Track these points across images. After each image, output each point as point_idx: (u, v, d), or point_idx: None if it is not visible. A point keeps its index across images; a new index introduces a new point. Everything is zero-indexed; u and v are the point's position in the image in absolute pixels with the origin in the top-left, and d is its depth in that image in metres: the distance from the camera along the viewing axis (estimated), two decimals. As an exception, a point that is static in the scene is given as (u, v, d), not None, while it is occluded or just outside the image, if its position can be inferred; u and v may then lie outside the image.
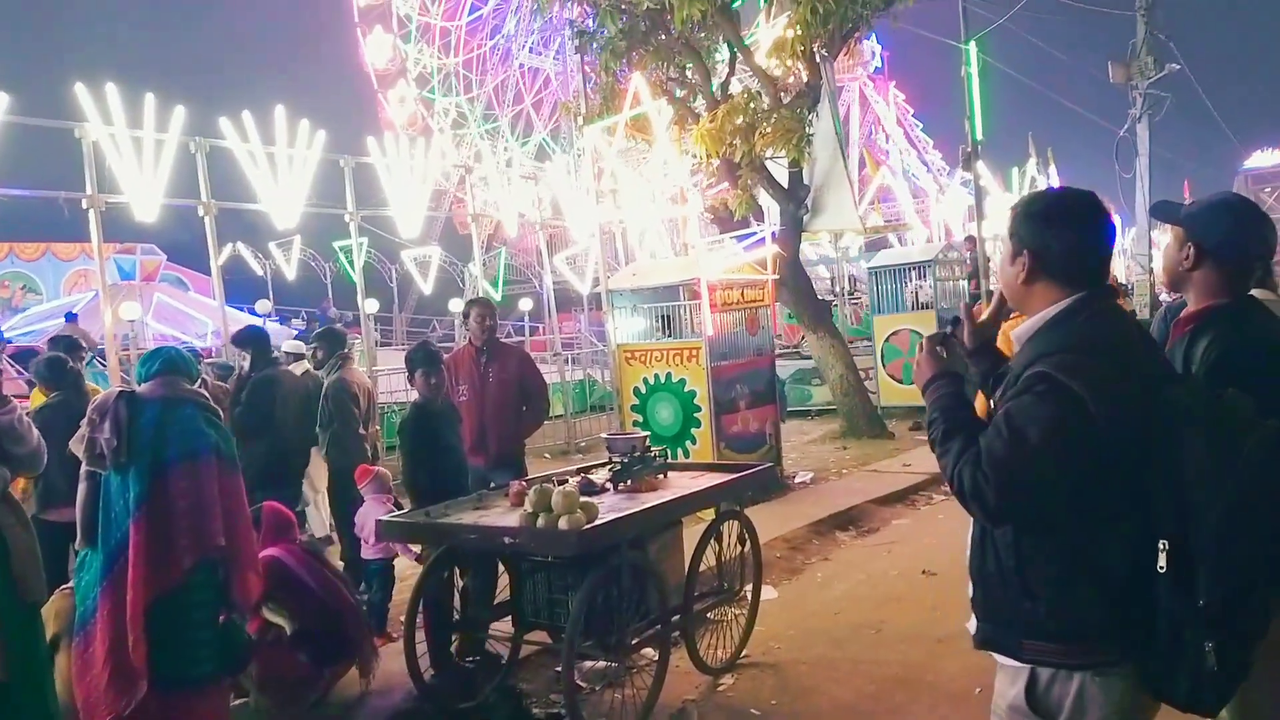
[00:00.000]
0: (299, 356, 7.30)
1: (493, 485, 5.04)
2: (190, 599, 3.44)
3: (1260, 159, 55.00)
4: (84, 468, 3.47)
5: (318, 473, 6.96)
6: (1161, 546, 1.85)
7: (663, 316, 9.08)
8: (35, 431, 3.55)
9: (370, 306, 14.56)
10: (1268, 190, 55.42)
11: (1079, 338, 1.97)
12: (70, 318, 15.48)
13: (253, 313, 17.49)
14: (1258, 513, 1.82)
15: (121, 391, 3.46)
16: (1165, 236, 2.78)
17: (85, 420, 3.43)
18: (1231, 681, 1.88)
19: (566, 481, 4.78)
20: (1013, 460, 1.88)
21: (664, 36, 11.09)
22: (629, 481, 4.79)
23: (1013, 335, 2.16)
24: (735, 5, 10.57)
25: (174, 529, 3.36)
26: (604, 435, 5.54)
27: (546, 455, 12.49)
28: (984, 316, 2.35)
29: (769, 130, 10.75)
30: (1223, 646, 1.83)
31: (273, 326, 17.51)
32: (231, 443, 3.63)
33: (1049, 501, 1.92)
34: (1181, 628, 1.85)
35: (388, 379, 11.79)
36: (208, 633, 3.54)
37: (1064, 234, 2.07)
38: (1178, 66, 17.83)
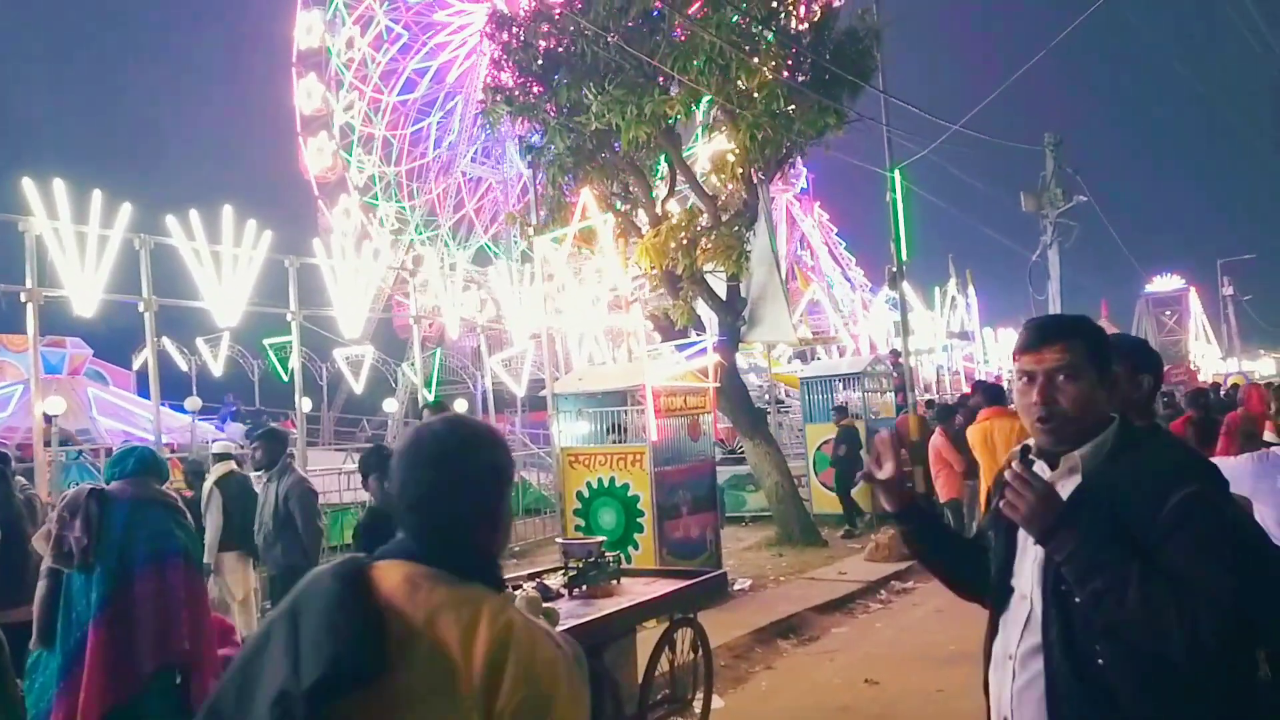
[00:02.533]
0: (225, 457, 7.21)
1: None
2: (148, 707, 3.34)
3: (1160, 284, 58.50)
4: (45, 565, 3.38)
5: (233, 579, 6.70)
6: (1261, 657, 1.88)
7: (611, 423, 9.21)
8: None
9: (304, 405, 14.37)
10: (1167, 313, 58.87)
11: (1186, 455, 2.03)
12: (47, 419, 14.85)
13: (181, 410, 17.01)
14: None
15: (92, 489, 3.42)
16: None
17: (54, 517, 3.36)
18: None
19: (521, 586, 4.79)
20: (1239, 599, 1.75)
21: (610, 155, 11.57)
22: (584, 587, 4.82)
23: (1079, 459, 1.97)
24: (671, 122, 11.09)
25: (138, 632, 3.29)
26: (559, 540, 5.59)
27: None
28: (887, 473, 2.27)
29: (709, 246, 11.22)
30: None
31: (203, 425, 17.09)
32: (200, 545, 3.60)
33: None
34: None
35: (320, 479, 11.56)
36: None
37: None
38: (1084, 198, 19.22)
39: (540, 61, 11.53)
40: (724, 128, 11.56)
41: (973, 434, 7.51)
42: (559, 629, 4.02)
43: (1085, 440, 1.97)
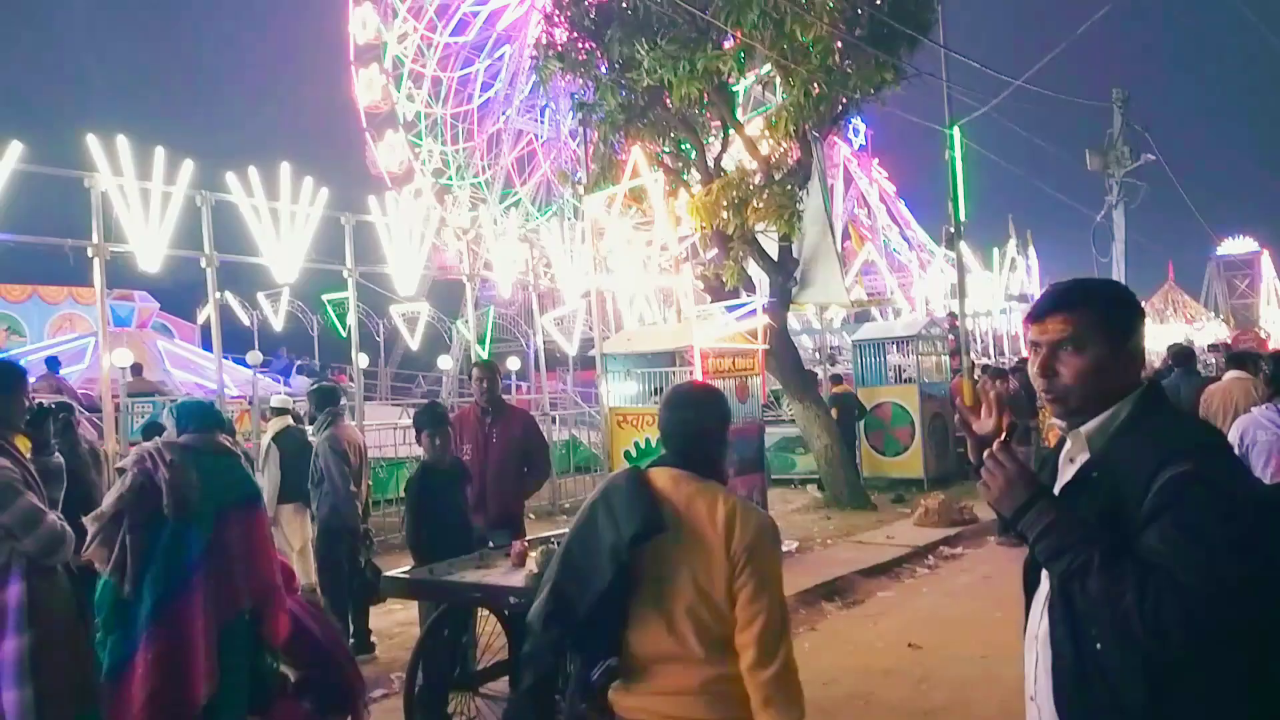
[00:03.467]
0: (283, 411, 7.40)
1: (493, 545, 5.11)
2: (231, 642, 3.52)
3: (1230, 246, 56.47)
4: (132, 518, 3.49)
5: (290, 530, 6.94)
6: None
7: (659, 383, 9.25)
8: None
9: (360, 361, 14.65)
10: (1238, 277, 56.91)
11: (1190, 433, 1.90)
12: (53, 365, 15.37)
13: (243, 363, 17.46)
14: None
15: (168, 443, 3.56)
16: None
17: (133, 471, 3.49)
18: None
19: (553, 542, 4.87)
20: (1211, 583, 1.65)
21: (661, 112, 11.46)
22: (628, 545, 4.88)
23: (1084, 435, 1.93)
24: (734, 88, 10.98)
25: (235, 573, 3.46)
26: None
27: (531, 515, 12.46)
28: (988, 427, 2.02)
29: (760, 205, 11.09)
30: None
31: (263, 379, 17.51)
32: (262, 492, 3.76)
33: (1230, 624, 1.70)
34: None
35: (375, 434, 11.83)
36: (242, 675, 3.60)
37: (1143, 322, 2.02)
38: (1152, 157, 18.53)
39: (593, 16, 11.43)
40: (778, 83, 11.37)
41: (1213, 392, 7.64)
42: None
43: (1098, 412, 1.90)
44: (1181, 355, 9.54)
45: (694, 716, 2.41)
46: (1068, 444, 1.97)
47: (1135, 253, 19.79)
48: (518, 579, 4.27)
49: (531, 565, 4.20)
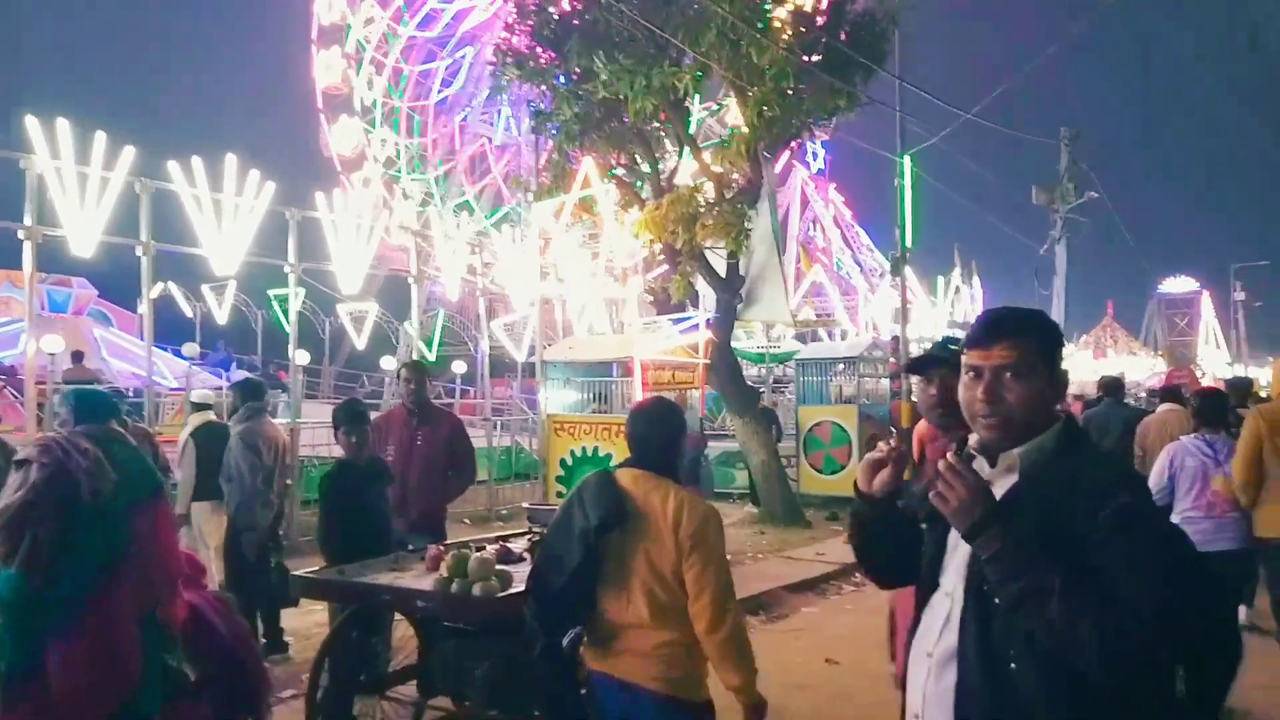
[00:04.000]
0: (204, 407, 7.28)
1: (411, 548, 5.08)
2: (147, 635, 3.46)
3: (1173, 285, 58.00)
4: (42, 510, 3.40)
5: (206, 528, 6.79)
6: (1179, 673, 1.86)
7: (598, 392, 9.29)
8: None
9: (301, 358, 14.45)
10: (1178, 315, 58.50)
11: (1119, 464, 2.03)
12: (78, 358, 15.01)
13: (179, 354, 17.14)
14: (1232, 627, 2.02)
15: (86, 431, 3.49)
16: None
17: (45, 459, 3.39)
18: None
19: (485, 549, 4.86)
20: (1166, 614, 1.69)
21: (617, 125, 11.54)
22: (546, 553, 4.90)
23: (1018, 457, 1.93)
24: (681, 95, 11.04)
25: (149, 565, 3.37)
26: (525, 505, 5.64)
27: (466, 520, 12.41)
28: (885, 481, 2.10)
29: (710, 222, 11.21)
30: None
31: (200, 371, 17.18)
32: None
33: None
34: None
35: (312, 432, 11.69)
36: (157, 668, 3.53)
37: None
38: (1096, 195, 19.08)
39: (552, 27, 11.48)
40: (731, 103, 11.51)
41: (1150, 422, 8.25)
42: (512, 591, 4.11)
43: (1027, 439, 1.92)
44: (1112, 386, 9.95)
45: (648, 673, 2.99)
46: (985, 465, 1.96)
47: (1076, 287, 20.32)
48: (428, 583, 4.26)
49: (442, 570, 4.19)
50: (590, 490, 3.07)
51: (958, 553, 1.95)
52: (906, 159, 14.19)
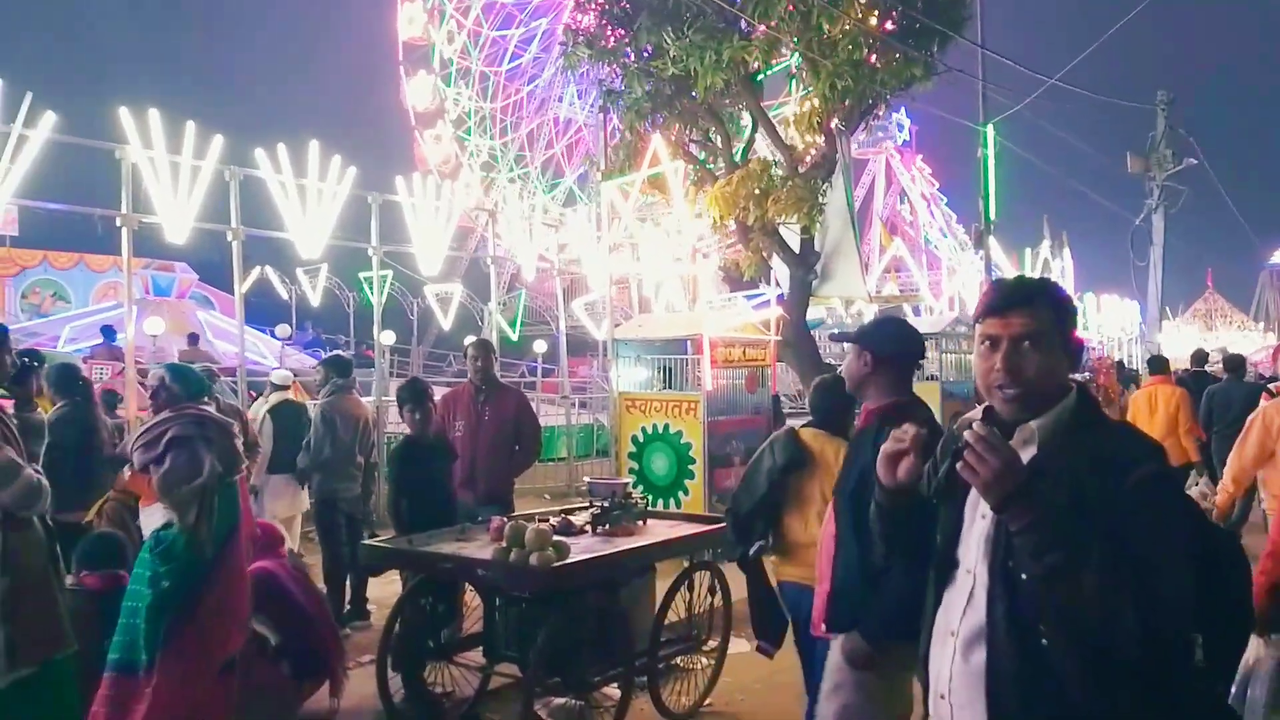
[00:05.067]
0: (282, 387, 7.64)
1: (480, 520, 5.24)
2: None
3: (1286, 255, 54.90)
4: (206, 479, 3.92)
5: (280, 501, 7.10)
6: (1198, 641, 1.87)
7: (667, 369, 9.32)
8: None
9: (387, 338, 14.87)
10: (1292, 286, 55.31)
11: (1135, 432, 1.99)
12: (109, 335, 15.85)
13: (273, 336, 17.82)
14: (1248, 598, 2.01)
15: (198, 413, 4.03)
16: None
17: (206, 437, 3.94)
18: None
19: (548, 520, 4.98)
20: (1187, 588, 1.73)
21: (688, 101, 11.49)
22: (607, 526, 4.98)
23: (1036, 430, 1.91)
24: (759, 78, 10.97)
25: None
26: (587, 479, 5.75)
27: (547, 496, 12.65)
28: (911, 468, 2.04)
29: (782, 197, 11.08)
30: None
31: (291, 351, 17.82)
32: None
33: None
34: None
35: (398, 410, 12.02)
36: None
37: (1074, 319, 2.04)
38: (1196, 162, 18.14)
39: (622, 4, 11.48)
40: (805, 77, 11.35)
41: (1138, 398, 10.03)
42: (567, 561, 4.22)
43: (1045, 410, 1.89)
44: (1233, 363, 10.47)
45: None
46: (1011, 439, 1.87)
47: (1174, 258, 19.41)
48: (489, 553, 4.40)
49: (502, 540, 4.31)
50: (779, 442, 3.89)
51: (975, 528, 1.93)
52: (989, 128, 13.76)
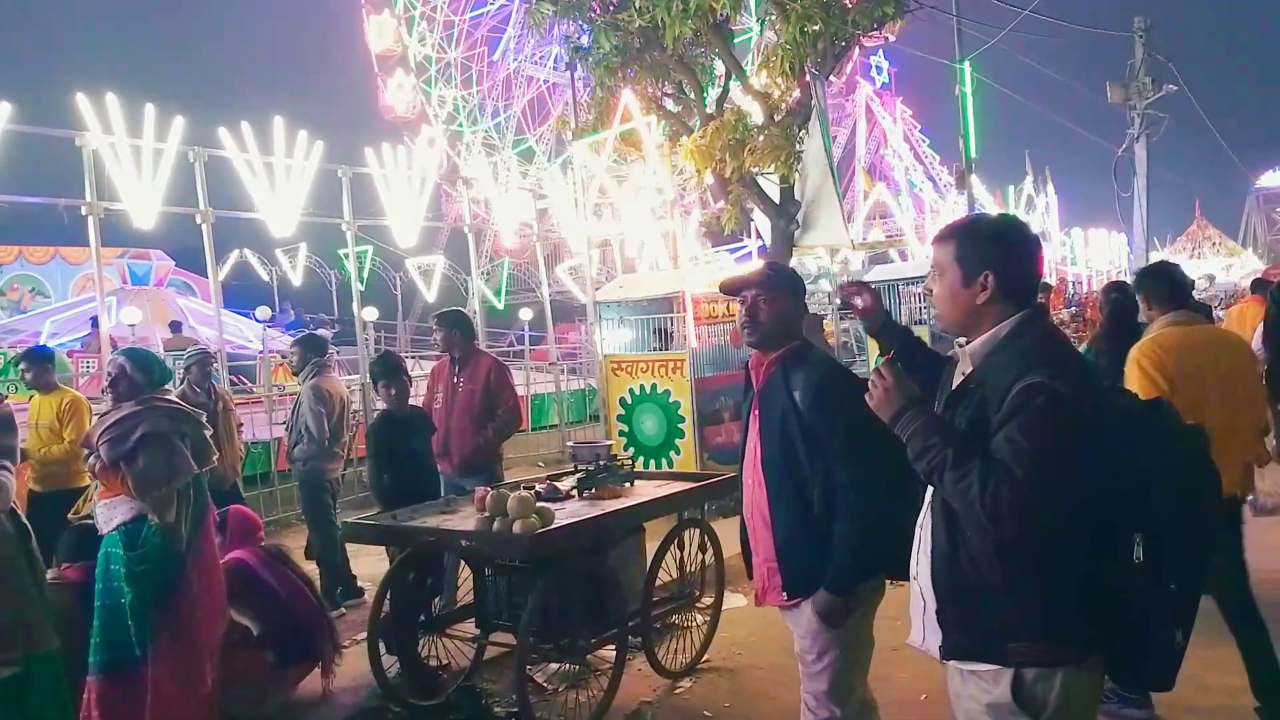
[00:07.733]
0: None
1: (467, 491, 5.18)
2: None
3: (1272, 179, 54.86)
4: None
5: None
6: (1137, 540, 2.01)
7: (656, 329, 9.23)
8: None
9: (369, 314, 14.72)
10: (1278, 210, 55.36)
11: (1051, 351, 2.10)
12: (176, 327, 15.71)
13: (254, 318, 17.67)
14: (1206, 504, 2.10)
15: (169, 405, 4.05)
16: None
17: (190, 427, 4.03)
18: (1181, 658, 2.07)
19: (534, 487, 4.92)
20: (1042, 475, 1.94)
21: (658, 54, 11.27)
22: (593, 489, 4.92)
23: (967, 351, 2.21)
24: (735, 40, 10.74)
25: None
26: (569, 443, 5.69)
27: (540, 464, 12.61)
28: (868, 303, 2.90)
29: (759, 147, 10.92)
30: (1186, 629, 2.04)
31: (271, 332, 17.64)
32: None
33: (1061, 510, 2.00)
34: (1149, 616, 2.02)
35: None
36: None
37: (1021, 257, 2.22)
38: (1175, 88, 17.95)
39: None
40: (774, 22, 11.13)
41: (1231, 313, 10.49)
42: (552, 526, 4.16)
43: (984, 333, 2.19)
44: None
45: None
46: (959, 358, 2.28)
47: (1161, 189, 19.26)
48: (473, 523, 4.33)
49: (485, 509, 4.25)
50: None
51: None
52: (966, 65, 13.55)
